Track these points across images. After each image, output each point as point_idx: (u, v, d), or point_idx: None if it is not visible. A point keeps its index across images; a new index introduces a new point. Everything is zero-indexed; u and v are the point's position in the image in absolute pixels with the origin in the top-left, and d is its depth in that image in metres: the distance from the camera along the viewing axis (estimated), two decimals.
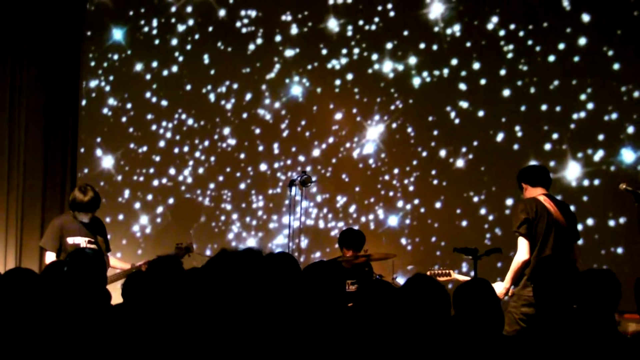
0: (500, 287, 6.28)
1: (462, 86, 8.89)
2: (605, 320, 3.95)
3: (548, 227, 6.29)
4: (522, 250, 6.28)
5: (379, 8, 9.10)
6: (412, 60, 9.00)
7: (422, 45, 9.00)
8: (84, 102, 9.51)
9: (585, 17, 8.61)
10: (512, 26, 8.78)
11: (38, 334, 3.84)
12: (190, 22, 9.48)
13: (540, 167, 6.79)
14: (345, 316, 4.12)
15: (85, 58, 9.50)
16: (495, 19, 8.82)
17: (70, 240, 6.81)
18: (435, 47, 8.97)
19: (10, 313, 3.98)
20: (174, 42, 9.51)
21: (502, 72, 8.79)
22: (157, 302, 3.94)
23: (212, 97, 9.42)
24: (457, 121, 8.88)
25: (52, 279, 4.83)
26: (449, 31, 8.93)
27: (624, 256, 8.39)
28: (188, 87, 9.46)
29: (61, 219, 7.08)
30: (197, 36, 9.47)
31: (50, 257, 6.79)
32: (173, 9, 9.51)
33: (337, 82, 9.15)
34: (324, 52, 9.21)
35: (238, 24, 9.40)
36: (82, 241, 6.84)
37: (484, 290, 4.09)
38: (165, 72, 9.50)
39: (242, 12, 9.40)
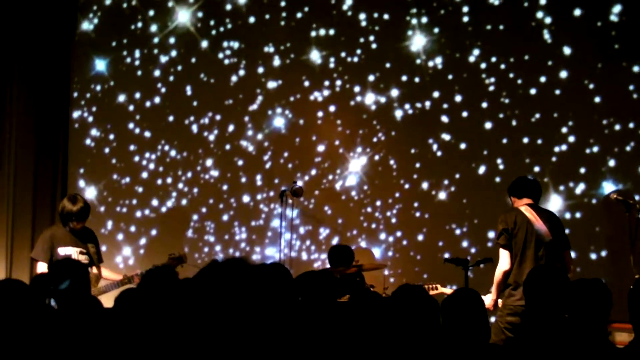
0: (488, 300, 6.39)
1: (444, 118, 8.89)
2: (596, 330, 3.94)
3: (528, 237, 6.38)
4: (503, 261, 6.44)
5: (361, 40, 9.11)
6: (394, 92, 9.01)
7: (404, 78, 9.01)
8: None
9: (567, 50, 8.62)
10: (494, 59, 8.79)
11: (26, 344, 3.82)
12: (173, 53, 9.49)
13: (526, 179, 6.88)
14: (336, 325, 4.14)
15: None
16: (476, 52, 8.83)
17: (62, 251, 6.80)
18: (417, 80, 8.98)
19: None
20: (157, 73, 9.51)
21: (484, 104, 8.79)
22: (151, 312, 3.94)
23: (194, 128, 9.42)
24: (439, 153, 8.88)
25: (40, 289, 4.87)
26: (430, 63, 8.94)
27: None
28: (171, 118, 9.46)
29: (52, 229, 7.09)
30: (179, 67, 9.48)
31: (41, 267, 6.77)
32: (156, 40, 9.52)
33: (320, 114, 9.15)
34: (307, 83, 9.21)
35: (220, 55, 9.41)
36: (73, 252, 6.83)
37: (472, 300, 4.14)
38: (148, 103, 9.50)
39: (225, 44, 9.41)
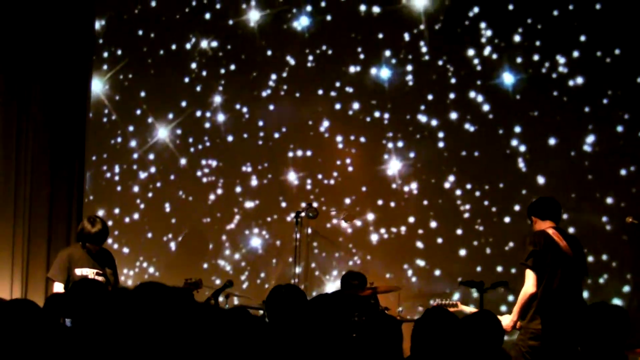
0: (507, 320, 6.27)
1: (419, 244, 8.94)
2: (614, 356, 3.92)
3: (556, 261, 6.26)
4: (529, 283, 6.23)
5: (338, 162, 9.17)
6: (370, 216, 9.06)
7: (380, 202, 9.06)
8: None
9: (540, 179, 8.69)
10: (469, 186, 8.86)
11: None
12: (152, 169, 9.55)
13: (550, 200, 6.75)
14: (350, 348, 4.11)
15: None
16: (452, 178, 8.90)
17: (78, 271, 6.74)
18: (392, 204, 9.03)
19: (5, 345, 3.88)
20: (136, 189, 9.57)
21: (459, 231, 8.85)
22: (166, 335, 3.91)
23: (172, 245, 9.46)
24: (414, 279, 8.93)
25: (55, 309, 4.88)
26: (406, 188, 9.00)
27: None
28: (149, 235, 9.51)
29: (69, 250, 7.05)
30: (158, 184, 9.53)
31: (58, 288, 6.71)
32: (135, 155, 9.58)
33: (297, 235, 9.19)
34: (284, 204, 9.27)
35: (199, 173, 9.48)
36: (89, 273, 6.78)
37: (490, 323, 4.22)
38: (127, 219, 9.55)
39: (203, 162, 9.47)
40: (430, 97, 9.04)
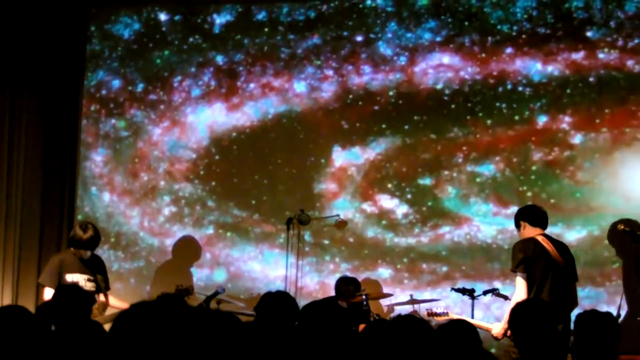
0: (498, 328, 6.31)
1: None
2: None
3: (546, 267, 6.28)
4: (520, 290, 6.24)
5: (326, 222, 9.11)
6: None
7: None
8: None
9: None
10: None
11: None
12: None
13: (540, 208, 6.77)
14: (344, 354, 4.09)
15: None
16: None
17: (69, 277, 6.79)
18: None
19: None
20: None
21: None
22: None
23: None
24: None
25: (46, 317, 4.87)
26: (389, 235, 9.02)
27: None
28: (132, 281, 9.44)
29: (61, 255, 7.10)
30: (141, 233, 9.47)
31: (49, 293, 6.69)
32: (122, 204, 9.56)
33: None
34: (268, 253, 9.15)
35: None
36: (80, 279, 6.82)
37: (463, 332, 4.21)
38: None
39: (186, 210, 9.37)
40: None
